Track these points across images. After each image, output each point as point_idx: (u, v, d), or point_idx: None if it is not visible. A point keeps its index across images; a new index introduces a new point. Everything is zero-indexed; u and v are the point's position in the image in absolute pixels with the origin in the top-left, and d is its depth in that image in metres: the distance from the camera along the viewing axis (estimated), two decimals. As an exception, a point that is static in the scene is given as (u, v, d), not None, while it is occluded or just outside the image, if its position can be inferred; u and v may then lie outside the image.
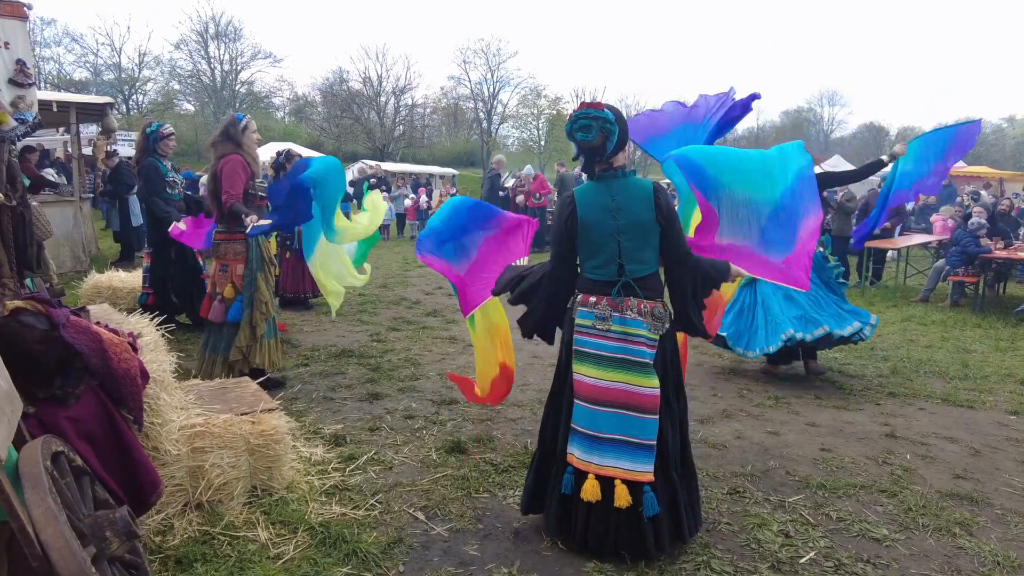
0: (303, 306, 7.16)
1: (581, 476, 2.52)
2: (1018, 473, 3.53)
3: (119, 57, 40.82)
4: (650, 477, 2.46)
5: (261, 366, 4.34)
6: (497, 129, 48.89)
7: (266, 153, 24.41)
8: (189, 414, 2.87)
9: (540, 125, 47.48)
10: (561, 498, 2.58)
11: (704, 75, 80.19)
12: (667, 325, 2.59)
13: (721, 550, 2.63)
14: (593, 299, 2.57)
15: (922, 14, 74.49)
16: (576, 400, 2.57)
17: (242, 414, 3.00)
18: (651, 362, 2.52)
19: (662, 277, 2.67)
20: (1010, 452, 3.83)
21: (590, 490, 2.46)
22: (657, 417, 2.49)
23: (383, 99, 46.39)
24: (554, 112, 51.93)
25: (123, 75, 40.65)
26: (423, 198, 15.54)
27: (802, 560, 2.58)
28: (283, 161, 6.49)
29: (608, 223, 2.55)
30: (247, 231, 4.24)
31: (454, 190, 19.86)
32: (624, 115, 2.66)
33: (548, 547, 2.63)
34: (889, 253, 10.50)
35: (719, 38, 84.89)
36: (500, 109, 50.44)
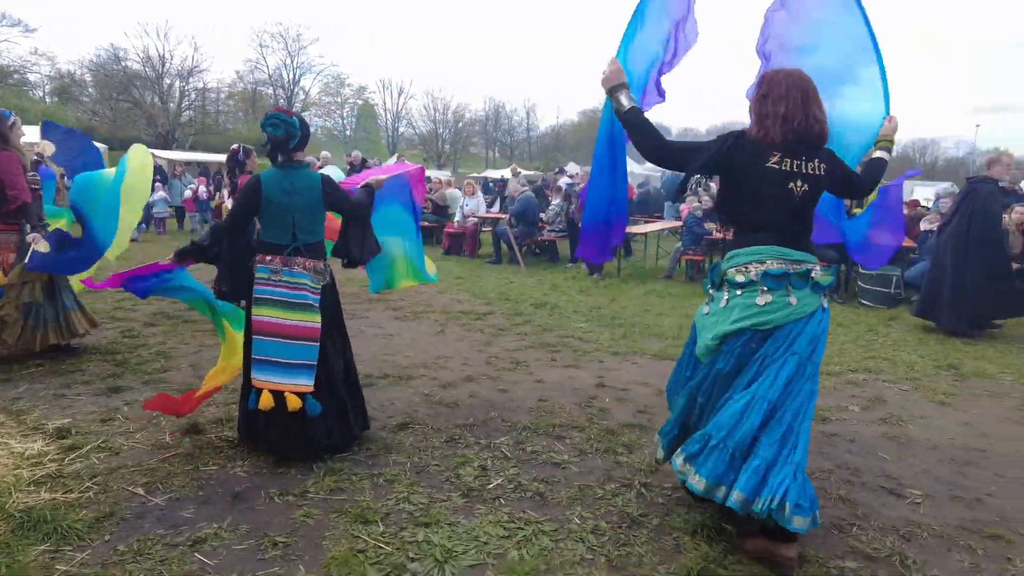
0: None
1: (260, 393, 3.19)
2: (684, 405, 4.42)
3: None
4: (311, 388, 3.23)
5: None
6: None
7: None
8: None
9: (345, 115, 46.51)
10: (248, 413, 3.27)
11: (509, 72, 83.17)
12: (328, 279, 3.39)
13: (424, 486, 3.05)
14: (269, 258, 3.29)
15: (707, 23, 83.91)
16: (256, 336, 3.24)
17: (-70, 411, 2.84)
18: (315, 304, 3.30)
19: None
20: (686, 390, 4.76)
21: (265, 401, 3.16)
22: (317, 344, 3.28)
23: (167, 81, 42.33)
24: (360, 102, 51.06)
25: None
26: (201, 188, 14.54)
27: (490, 486, 3.08)
28: (243, 159, 6.32)
29: (286, 202, 3.27)
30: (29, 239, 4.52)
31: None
32: (309, 126, 3.43)
33: (264, 503, 2.86)
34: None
35: (523, 37, 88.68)
36: (302, 96, 48.51)
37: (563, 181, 12.70)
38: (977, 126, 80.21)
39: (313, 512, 2.78)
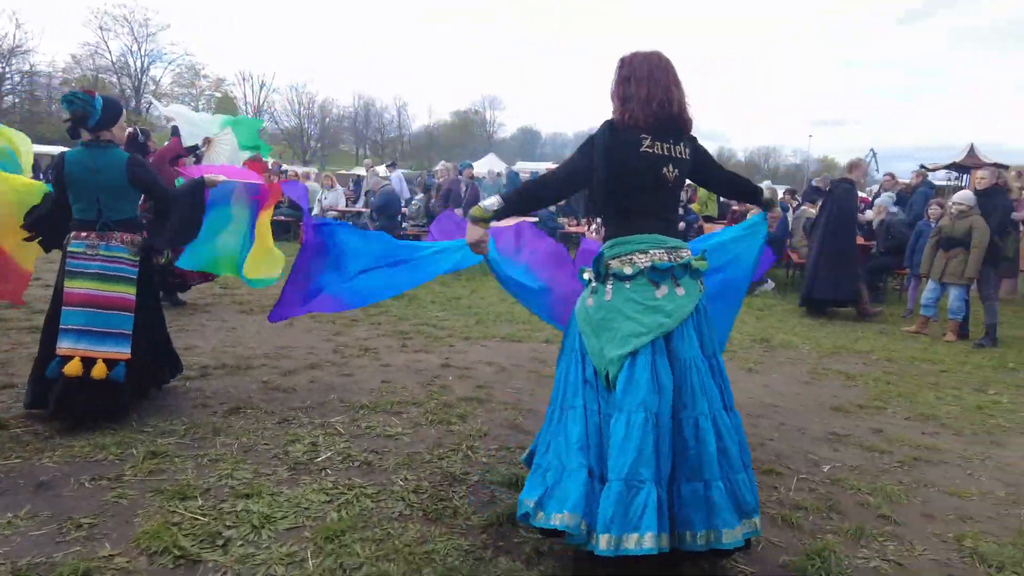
0: None
1: (65, 360, 3.31)
2: (521, 379, 4.69)
3: None
4: (127, 356, 3.46)
5: None
6: (148, 108, 43.41)
7: None
8: None
9: (200, 107, 43.60)
10: (44, 381, 3.39)
11: (379, 69, 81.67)
12: (144, 252, 3.60)
13: (250, 463, 3.05)
14: (84, 233, 3.46)
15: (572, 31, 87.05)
16: (66, 307, 3.40)
17: None
18: (133, 277, 3.53)
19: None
20: (526, 367, 5.04)
21: (73, 368, 3.30)
22: (132, 314, 3.50)
23: (-15, 63, 37.62)
24: (219, 94, 48.21)
25: None
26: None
27: (318, 459, 3.14)
28: (144, 141, 6.09)
29: (90, 180, 3.44)
30: None
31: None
32: (121, 106, 3.58)
33: (72, 490, 2.74)
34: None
35: (394, 33, 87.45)
36: (152, 87, 44.98)
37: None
38: (810, 136, 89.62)
39: (128, 493, 2.70)
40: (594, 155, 2.39)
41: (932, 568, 2.52)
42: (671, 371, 2.26)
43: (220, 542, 2.37)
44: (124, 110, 3.62)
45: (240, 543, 2.38)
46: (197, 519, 2.52)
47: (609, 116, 2.47)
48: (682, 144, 2.46)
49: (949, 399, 4.83)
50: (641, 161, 2.36)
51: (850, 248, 7.94)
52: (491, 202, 2.43)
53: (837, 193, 7.93)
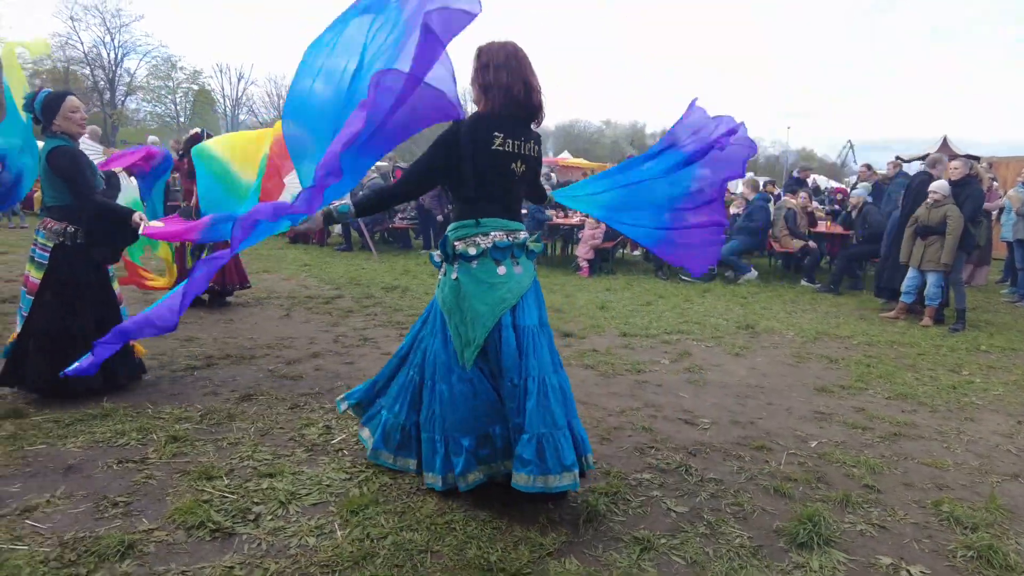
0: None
1: None
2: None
3: None
4: (15, 333, 3.73)
5: None
6: (124, 101, 42.71)
7: None
8: None
9: (178, 100, 43.08)
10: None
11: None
12: (60, 239, 3.68)
13: (268, 445, 3.19)
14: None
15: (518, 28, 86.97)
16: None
17: None
18: (41, 261, 3.68)
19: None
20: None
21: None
22: (31, 297, 3.69)
23: (-47, 54, 36.68)
24: (196, 87, 47.55)
25: None
26: None
27: (333, 441, 3.28)
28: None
29: (37, 168, 3.78)
30: None
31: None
32: (58, 100, 3.59)
33: (101, 472, 2.85)
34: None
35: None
36: (127, 79, 44.22)
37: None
38: (788, 128, 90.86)
39: (155, 475, 2.82)
40: (459, 152, 2.51)
41: (913, 530, 2.72)
42: (516, 337, 2.54)
43: (251, 517, 2.51)
44: (66, 101, 3.61)
45: (270, 517, 2.52)
46: (226, 496, 2.65)
47: (476, 110, 2.64)
48: (532, 141, 2.65)
49: (926, 380, 5.08)
50: (492, 158, 2.53)
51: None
52: (344, 203, 2.62)
53: (915, 186, 7.93)
